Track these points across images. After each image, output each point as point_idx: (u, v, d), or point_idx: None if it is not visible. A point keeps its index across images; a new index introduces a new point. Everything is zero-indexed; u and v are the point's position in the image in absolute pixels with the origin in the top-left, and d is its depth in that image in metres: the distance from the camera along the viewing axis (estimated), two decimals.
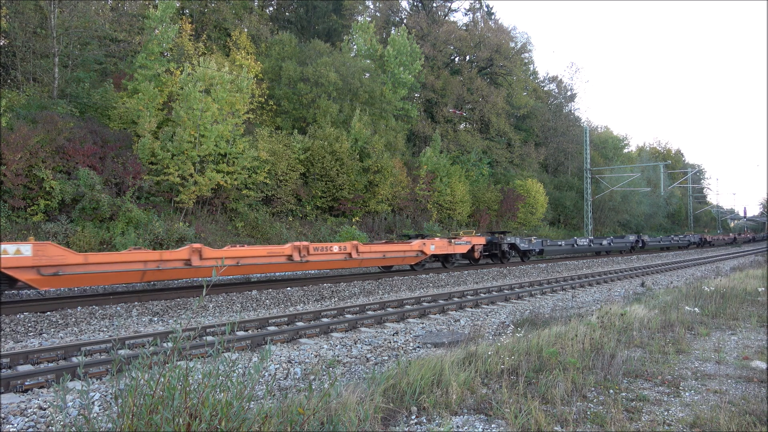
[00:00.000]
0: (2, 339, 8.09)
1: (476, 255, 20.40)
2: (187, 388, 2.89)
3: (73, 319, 9.46)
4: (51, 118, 17.09)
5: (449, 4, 45.44)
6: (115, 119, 20.47)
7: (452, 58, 43.08)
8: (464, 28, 43.78)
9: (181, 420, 2.77)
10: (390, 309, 10.92)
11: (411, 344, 7.95)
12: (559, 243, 27.29)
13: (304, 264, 14.28)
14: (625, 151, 59.47)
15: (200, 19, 29.66)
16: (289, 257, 13.96)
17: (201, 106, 19.70)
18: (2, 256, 9.32)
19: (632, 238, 35.32)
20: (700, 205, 79.33)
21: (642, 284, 16.42)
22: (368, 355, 7.25)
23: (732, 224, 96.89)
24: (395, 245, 17.13)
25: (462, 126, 41.65)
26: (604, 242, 32.31)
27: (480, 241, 20.60)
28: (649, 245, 37.64)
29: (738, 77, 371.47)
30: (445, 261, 19.58)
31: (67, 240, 15.90)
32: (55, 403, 2.86)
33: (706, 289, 11.11)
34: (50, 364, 6.58)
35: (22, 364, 6.56)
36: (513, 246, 22.70)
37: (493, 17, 47.89)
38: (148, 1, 26.16)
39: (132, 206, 17.67)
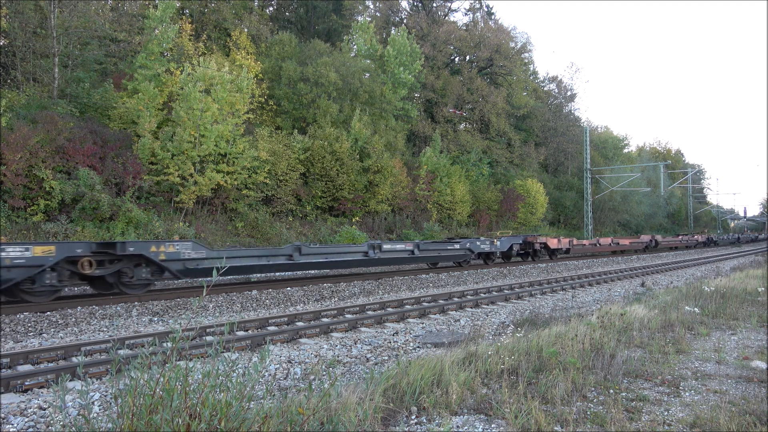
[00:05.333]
0: (2, 339, 8.09)
1: None
2: (187, 388, 2.89)
3: (73, 319, 9.46)
4: (51, 118, 17.09)
5: (449, 4, 45.46)
6: (115, 119, 20.47)
7: (452, 58, 43.06)
8: (464, 28, 43.76)
9: (180, 420, 2.77)
10: (390, 309, 10.92)
11: (411, 344, 7.94)
12: None
13: None
14: (625, 151, 59.46)
15: (200, 19, 29.65)
16: None
17: (201, 106, 19.70)
18: None
19: (364, 247, 16.57)
20: (701, 205, 79.32)
21: (642, 284, 16.43)
22: (368, 355, 7.25)
23: (732, 224, 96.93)
24: None
25: (462, 126, 41.64)
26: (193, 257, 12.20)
27: None
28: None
29: (738, 77, 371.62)
30: None
31: (67, 240, 15.91)
32: (54, 403, 2.85)
33: (706, 289, 11.10)
34: (50, 364, 6.58)
35: (22, 364, 6.56)
36: None
37: (493, 17, 47.89)
38: (148, 1, 26.15)
39: (132, 206, 17.66)
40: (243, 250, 14.46)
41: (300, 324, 9.15)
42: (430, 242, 19.51)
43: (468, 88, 39.73)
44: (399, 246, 17.55)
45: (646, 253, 36.46)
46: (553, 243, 25.41)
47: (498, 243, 21.95)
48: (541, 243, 24.75)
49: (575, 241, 27.66)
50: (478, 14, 46.20)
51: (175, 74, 21.73)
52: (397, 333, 8.81)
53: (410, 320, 10.09)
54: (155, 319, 9.88)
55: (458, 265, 20.55)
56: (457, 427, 4.04)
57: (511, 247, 23.11)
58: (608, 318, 7.58)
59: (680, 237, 46.28)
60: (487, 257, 22.25)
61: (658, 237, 40.19)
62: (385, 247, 16.79)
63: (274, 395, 5.05)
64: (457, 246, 19.71)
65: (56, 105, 18.99)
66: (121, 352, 6.66)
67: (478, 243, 20.80)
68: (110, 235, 16.78)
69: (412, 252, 17.77)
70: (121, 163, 18.41)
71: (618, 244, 33.93)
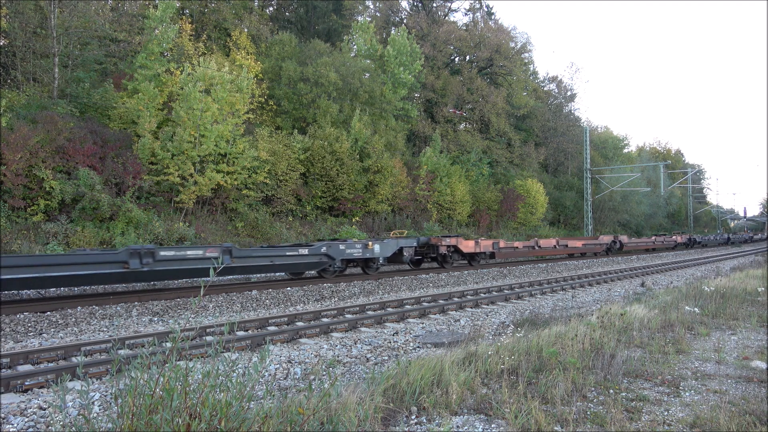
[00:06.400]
0: (2, 339, 8.09)
1: None
2: (187, 388, 2.89)
3: (73, 319, 9.46)
4: (51, 118, 17.09)
5: (449, 4, 45.47)
6: (115, 119, 20.47)
7: (452, 58, 43.07)
8: (464, 28, 43.77)
9: (180, 420, 2.77)
10: (390, 309, 10.92)
11: (411, 344, 7.94)
12: None
13: None
14: (625, 151, 59.46)
15: (200, 19, 29.66)
16: None
17: (201, 106, 19.70)
18: None
19: (122, 254, 11.42)
20: (700, 205, 79.34)
21: (642, 284, 16.42)
22: (368, 355, 7.25)
23: (732, 224, 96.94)
24: None
25: (462, 126, 41.64)
26: None
27: None
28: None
29: (738, 77, 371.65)
30: None
31: (67, 240, 15.91)
32: (54, 403, 2.86)
33: (706, 289, 11.10)
34: (50, 364, 6.58)
35: (22, 364, 6.56)
36: None
37: (493, 17, 47.90)
38: (148, 1, 26.16)
39: (132, 206, 17.67)
40: None
41: (300, 324, 9.15)
42: (257, 248, 14.69)
43: (468, 88, 39.73)
44: (192, 253, 12.12)
45: (609, 257, 31.12)
46: (467, 246, 20.37)
47: (376, 247, 16.54)
48: (449, 246, 19.60)
49: (503, 244, 22.51)
50: (478, 14, 46.23)
51: (175, 74, 21.74)
52: (397, 333, 8.81)
53: (410, 320, 10.09)
54: (155, 319, 9.88)
55: (319, 275, 15.86)
56: (457, 427, 4.04)
57: (400, 252, 17.74)
58: (608, 318, 7.58)
59: (654, 238, 39.57)
60: (365, 265, 17.04)
61: (623, 238, 34.02)
62: (164, 254, 11.57)
63: (274, 395, 5.05)
64: (304, 252, 14.50)
65: (56, 105, 18.99)
66: (121, 352, 6.66)
67: (341, 247, 15.51)
68: (110, 236, 16.79)
69: (219, 261, 11.71)
70: (121, 163, 18.41)
71: (566, 246, 27.51)
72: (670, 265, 25.01)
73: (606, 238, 31.52)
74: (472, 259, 21.50)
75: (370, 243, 16.44)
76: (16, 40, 20.22)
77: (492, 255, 22.18)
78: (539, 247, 25.04)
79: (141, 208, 18.46)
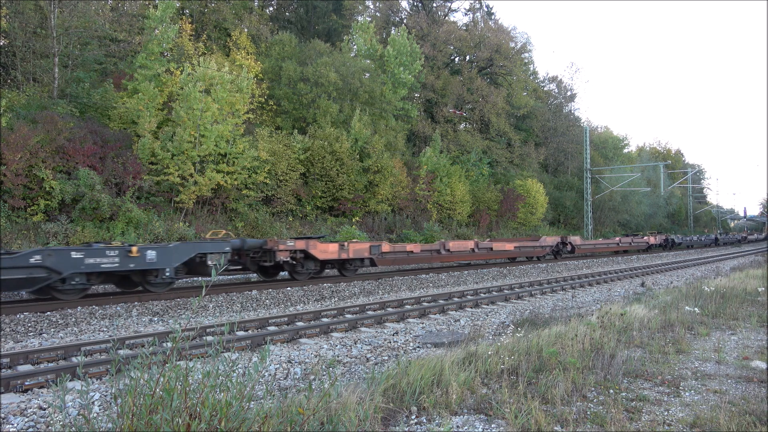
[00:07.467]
0: (2, 339, 8.09)
1: None
2: (187, 388, 2.89)
3: (73, 319, 9.46)
4: (51, 118, 17.10)
5: (449, 4, 45.47)
6: (115, 119, 20.48)
7: (452, 58, 43.07)
8: (464, 28, 43.77)
9: (180, 420, 2.77)
10: (390, 309, 10.92)
11: (411, 344, 7.94)
12: None
13: None
14: (625, 151, 59.46)
15: (200, 19, 29.66)
16: None
17: (201, 106, 19.70)
18: None
19: None
20: (700, 205, 79.35)
21: (642, 284, 16.42)
22: (368, 355, 7.25)
23: (732, 224, 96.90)
24: None
25: (462, 126, 41.63)
26: None
27: None
28: None
29: (738, 77, 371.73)
30: None
31: (67, 240, 15.91)
32: (54, 403, 2.86)
33: (706, 289, 11.10)
34: (50, 364, 6.58)
35: (22, 364, 6.56)
36: None
37: (493, 17, 47.90)
38: (148, 1, 26.16)
39: (132, 206, 17.67)
40: None
41: (300, 324, 9.15)
42: None
43: (468, 88, 39.72)
44: None
45: (558, 261, 25.48)
46: (324, 251, 14.82)
47: (150, 254, 11.28)
48: (293, 251, 14.20)
49: (387, 247, 16.86)
50: (478, 14, 46.22)
51: (175, 74, 21.74)
52: (397, 333, 8.81)
53: (410, 320, 10.09)
54: (155, 319, 9.88)
55: (52, 297, 10.66)
56: (457, 427, 4.04)
57: (202, 260, 12.30)
58: (608, 318, 7.58)
59: (619, 239, 33.75)
60: (143, 279, 11.61)
61: (575, 239, 27.74)
62: None
63: (274, 395, 5.05)
64: None
65: (56, 105, 18.99)
66: (121, 352, 6.66)
67: (76, 255, 10.31)
68: (110, 235, 16.79)
69: None
70: (121, 163, 18.42)
71: (490, 250, 21.18)
72: (671, 265, 25.04)
73: (550, 240, 25.91)
74: (342, 267, 16.30)
75: (134, 248, 11.09)
76: (16, 40, 20.22)
77: (372, 262, 16.76)
78: (447, 251, 19.14)
79: (141, 208, 18.46)
